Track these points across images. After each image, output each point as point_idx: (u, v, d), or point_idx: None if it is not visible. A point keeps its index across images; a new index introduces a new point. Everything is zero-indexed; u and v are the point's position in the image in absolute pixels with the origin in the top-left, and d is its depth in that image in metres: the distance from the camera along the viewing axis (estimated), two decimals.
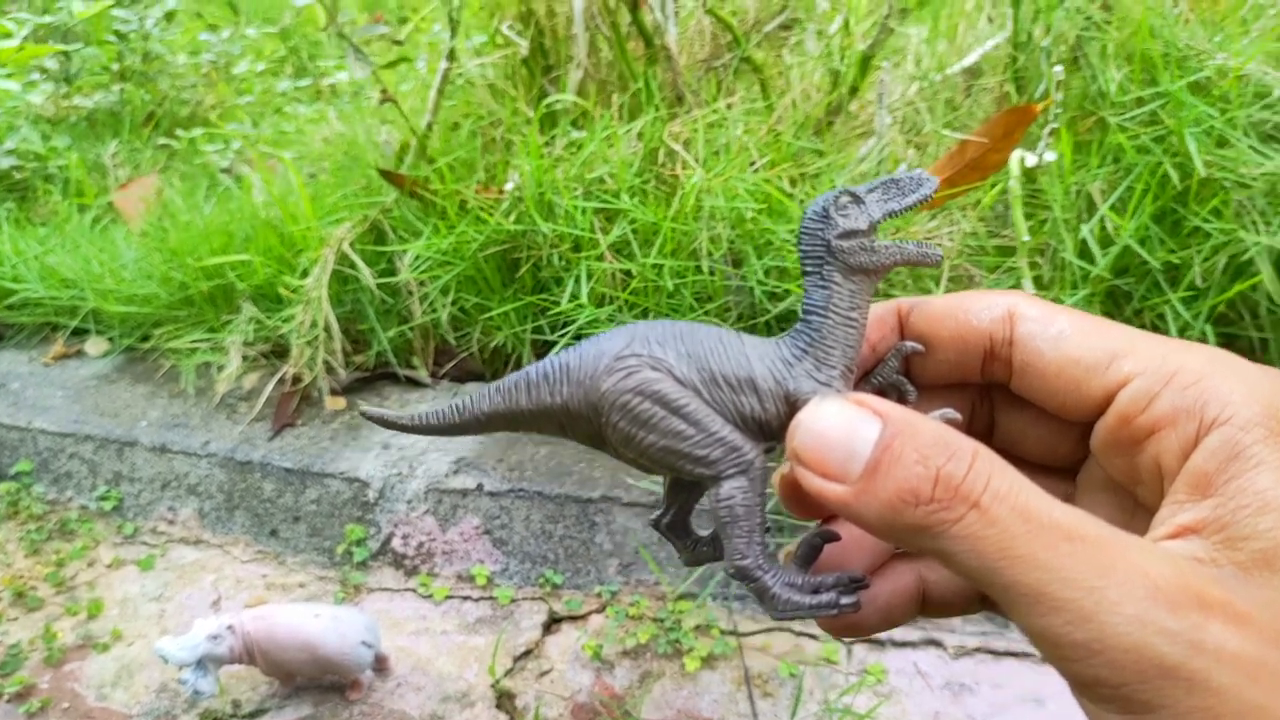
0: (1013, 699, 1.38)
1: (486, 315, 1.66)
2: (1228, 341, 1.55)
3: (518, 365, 1.70)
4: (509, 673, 1.44)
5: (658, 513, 0.48)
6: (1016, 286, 1.32)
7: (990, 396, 0.46)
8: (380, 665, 1.43)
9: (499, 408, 0.43)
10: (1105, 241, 1.38)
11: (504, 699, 1.41)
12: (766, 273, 1.48)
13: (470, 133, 1.79)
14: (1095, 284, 1.38)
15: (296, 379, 1.78)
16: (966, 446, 0.34)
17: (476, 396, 0.44)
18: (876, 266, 0.41)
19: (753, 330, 1.53)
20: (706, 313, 1.52)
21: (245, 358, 1.84)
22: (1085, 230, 1.30)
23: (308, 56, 3.22)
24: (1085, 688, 0.32)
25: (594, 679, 1.43)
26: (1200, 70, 1.36)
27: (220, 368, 1.85)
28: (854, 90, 1.73)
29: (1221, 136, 1.34)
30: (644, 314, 1.50)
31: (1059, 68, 1.24)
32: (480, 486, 1.57)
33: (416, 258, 1.69)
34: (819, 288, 0.41)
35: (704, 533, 0.48)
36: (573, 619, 1.51)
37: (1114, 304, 1.47)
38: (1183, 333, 1.39)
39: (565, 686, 1.42)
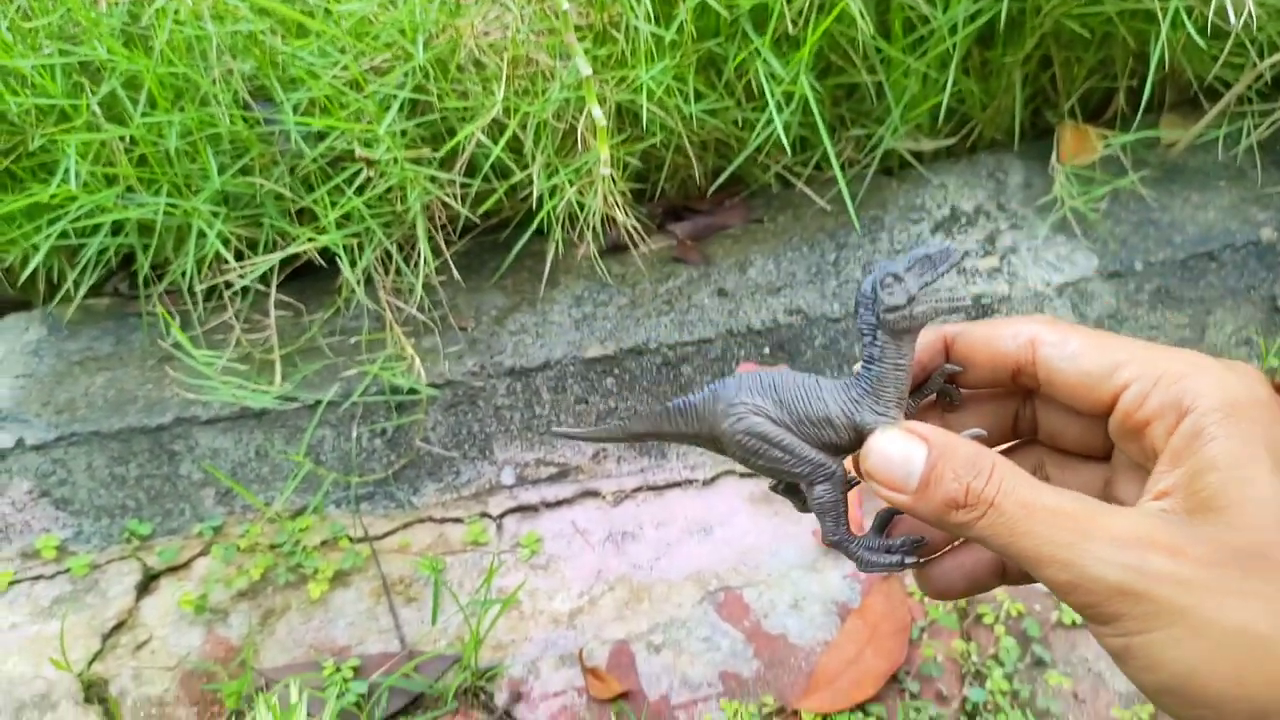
0: (679, 534, 1.24)
1: None
2: (847, 93, 1.40)
3: (55, 283, 1.36)
4: (98, 655, 1.18)
5: (772, 481, 0.57)
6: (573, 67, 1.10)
7: (1032, 398, 0.56)
8: None
9: (650, 429, 0.55)
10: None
11: (94, 688, 1.16)
12: (302, 110, 1.19)
13: None
14: (678, 51, 1.18)
15: None
16: (988, 462, 0.46)
17: (633, 419, 0.56)
18: (916, 328, 0.51)
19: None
20: (245, 171, 1.23)
21: None
22: None
23: None
24: (1078, 610, 0.44)
25: (205, 636, 1.19)
26: None
27: None
28: None
29: None
30: (159, 191, 1.19)
31: None
32: (21, 442, 1.26)
33: None
34: (874, 347, 0.51)
35: None
36: (173, 571, 1.25)
37: (713, 71, 1.28)
38: (789, 98, 1.22)
39: (169, 655, 1.18)
